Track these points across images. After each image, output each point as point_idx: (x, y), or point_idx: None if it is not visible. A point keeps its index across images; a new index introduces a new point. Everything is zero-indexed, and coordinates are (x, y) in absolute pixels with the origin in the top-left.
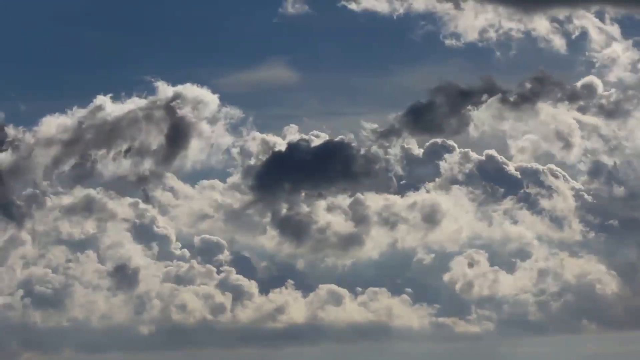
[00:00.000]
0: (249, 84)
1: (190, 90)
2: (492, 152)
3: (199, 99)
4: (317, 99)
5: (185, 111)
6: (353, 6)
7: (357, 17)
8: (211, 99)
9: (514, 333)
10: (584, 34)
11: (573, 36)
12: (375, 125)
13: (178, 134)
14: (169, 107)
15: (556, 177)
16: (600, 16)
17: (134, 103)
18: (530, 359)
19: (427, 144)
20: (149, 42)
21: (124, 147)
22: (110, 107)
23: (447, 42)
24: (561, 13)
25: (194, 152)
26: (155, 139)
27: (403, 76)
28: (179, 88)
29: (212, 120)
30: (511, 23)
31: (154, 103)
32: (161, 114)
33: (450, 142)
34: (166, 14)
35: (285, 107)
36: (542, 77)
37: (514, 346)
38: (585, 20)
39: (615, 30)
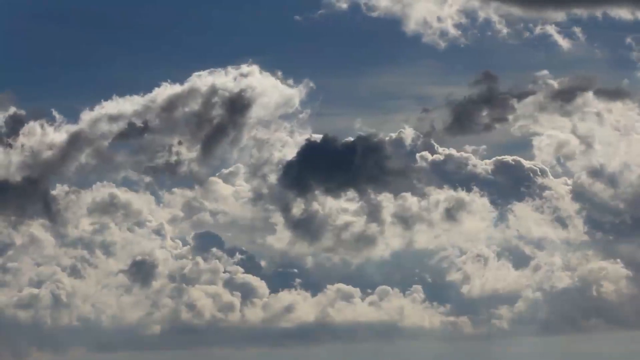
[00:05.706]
0: None
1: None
2: (505, 151)
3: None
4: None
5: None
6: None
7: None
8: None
9: (524, 332)
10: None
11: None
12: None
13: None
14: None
15: (565, 177)
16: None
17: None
18: (540, 358)
19: (437, 143)
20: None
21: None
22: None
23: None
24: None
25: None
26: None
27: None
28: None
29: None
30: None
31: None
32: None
33: (460, 141)
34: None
35: None
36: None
37: (523, 345)
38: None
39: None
